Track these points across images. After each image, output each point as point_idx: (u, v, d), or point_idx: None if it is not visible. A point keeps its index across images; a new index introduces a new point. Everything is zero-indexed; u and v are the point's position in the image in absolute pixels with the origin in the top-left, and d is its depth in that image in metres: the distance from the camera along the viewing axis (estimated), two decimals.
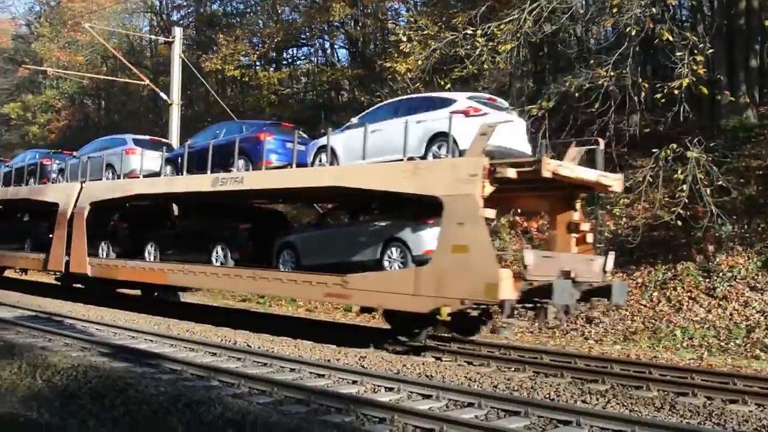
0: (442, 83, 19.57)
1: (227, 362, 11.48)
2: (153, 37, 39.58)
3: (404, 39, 20.62)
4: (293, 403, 8.78)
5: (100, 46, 40.73)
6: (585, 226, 13.51)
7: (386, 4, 31.77)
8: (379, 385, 9.89)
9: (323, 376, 10.52)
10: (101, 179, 19.64)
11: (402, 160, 12.85)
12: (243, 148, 15.98)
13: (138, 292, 21.83)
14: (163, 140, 21.06)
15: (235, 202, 17.51)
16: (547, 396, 9.57)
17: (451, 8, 23.81)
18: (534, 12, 18.46)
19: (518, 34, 18.69)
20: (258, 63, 37.15)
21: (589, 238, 13.53)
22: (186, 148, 17.65)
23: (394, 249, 13.16)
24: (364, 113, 14.75)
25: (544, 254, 12.84)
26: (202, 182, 16.34)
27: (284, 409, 8.44)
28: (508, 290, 11.21)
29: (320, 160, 14.60)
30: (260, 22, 38.32)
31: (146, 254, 18.26)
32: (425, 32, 20.53)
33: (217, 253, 16.48)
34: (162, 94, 24.73)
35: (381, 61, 26.48)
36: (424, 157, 12.74)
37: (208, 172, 16.37)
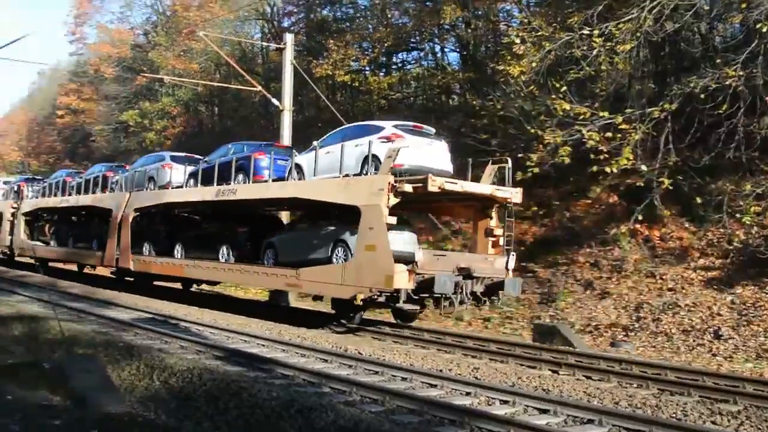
0: (558, 86, 19.14)
1: (338, 369, 11.58)
2: (264, 44, 40.48)
3: (517, 41, 20.24)
4: (405, 413, 8.74)
5: (214, 54, 42.07)
6: (498, 232, 17.12)
7: (498, 6, 31.45)
8: (493, 398, 9.73)
9: (435, 386, 10.44)
10: (143, 190, 24.31)
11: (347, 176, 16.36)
12: (241, 165, 19.92)
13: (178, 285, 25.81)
14: (196, 156, 24.30)
15: (246, 209, 21.09)
16: (674, 415, 9.17)
17: (566, 8, 23.28)
18: (654, 10, 17.81)
19: (638, 34, 18.11)
20: (368, 68, 37.52)
21: (502, 241, 17.05)
22: (201, 165, 21.88)
23: (339, 248, 16.40)
24: (323, 137, 18.12)
25: (436, 253, 17.15)
26: (208, 193, 20.59)
27: (396, 418, 8.42)
28: (403, 281, 14.64)
29: (294, 176, 18.36)
30: (370, 26, 38.62)
31: (175, 253, 22.34)
32: (539, 33, 20.10)
33: (222, 251, 20.34)
34: (273, 100, 25.20)
35: (493, 64, 26.20)
36: (358, 175, 16.09)
37: (214, 184, 20.50)
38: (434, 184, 14.97)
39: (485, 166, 17.44)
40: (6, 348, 11.69)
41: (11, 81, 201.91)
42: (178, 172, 23.11)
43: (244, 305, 22.08)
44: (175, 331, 14.65)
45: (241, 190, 19.49)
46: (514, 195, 16.82)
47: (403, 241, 16.00)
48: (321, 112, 36.38)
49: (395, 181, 15.07)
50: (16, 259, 33.74)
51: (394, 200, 15.03)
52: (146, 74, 43.76)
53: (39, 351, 11.21)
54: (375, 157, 15.77)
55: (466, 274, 15.68)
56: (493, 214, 17.35)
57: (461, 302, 15.72)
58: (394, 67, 38.64)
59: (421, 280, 15.04)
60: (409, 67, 39.10)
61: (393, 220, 15.14)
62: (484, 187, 16.65)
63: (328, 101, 30.14)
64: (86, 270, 30.01)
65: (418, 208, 19.89)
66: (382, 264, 14.80)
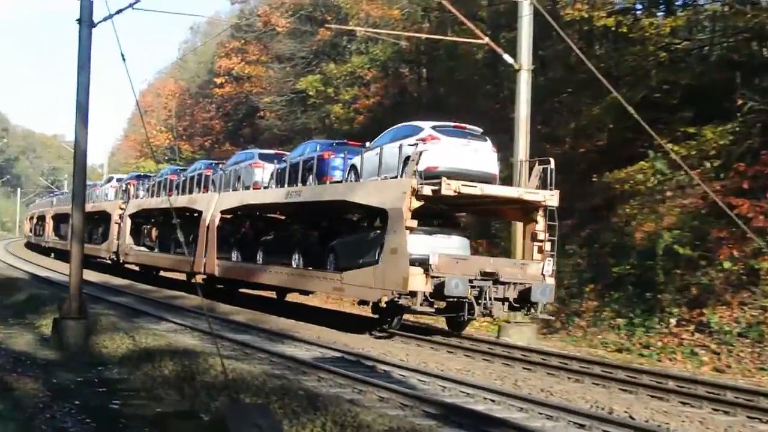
0: None
1: None
2: None
3: None
4: None
5: None
6: (541, 236, 21.95)
7: None
8: None
9: None
10: (230, 190, 30.52)
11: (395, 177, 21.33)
12: (310, 165, 25.49)
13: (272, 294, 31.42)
14: (283, 152, 30.70)
15: (313, 212, 26.59)
16: None
17: None
18: None
19: None
20: (639, 6, 36.55)
21: (547, 246, 21.87)
22: (279, 164, 27.84)
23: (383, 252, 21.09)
24: (376, 138, 23.75)
25: (455, 256, 20.86)
26: (279, 195, 26.75)
27: None
28: (419, 283, 19.65)
29: (351, 177, 23.93)
30: None
31: (257, 258, 28.19)
32: None
33: (294, 256, 25.89)
34: (505, 56, 24.85)
35: None
36: (395, 177, 21.24)
37: (285, 185, 26.60)
38: (449, 188, 19.57)
39: None
40: (154, 392, 12.47)
41: (158, 40, 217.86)
42: (267, 172, 28.94)
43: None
44: (371, 376, 15.04)
45: (305, 192, 25.26)
46: (548, 198, 21.42)
47: (453, 245, 21.49)
48: (572, 72, 35.90)
49: (419, 184, 19.88)
50: (126, 266, 41.66)
51: (416, 203, 19.96)
52: (331, 26, 44.04)
53: (195, 397, 11.88)
54: (409, 159, 20.62)
55: (492, 278, 20.53)
56: (539, 218, 22.15)
57: (485, 308, 20.55)
58: (678, 3, 37.33)
59: (437, 283, 19.83)
60: (701, 2, 37.59)
61: (414, 223, 19.95)
62: (508, 189, 21.83)
63: (582, 55, 29.64)
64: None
65: (472, 210, 26.87)
66: (401, 266, 19.91)
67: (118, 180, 46.92)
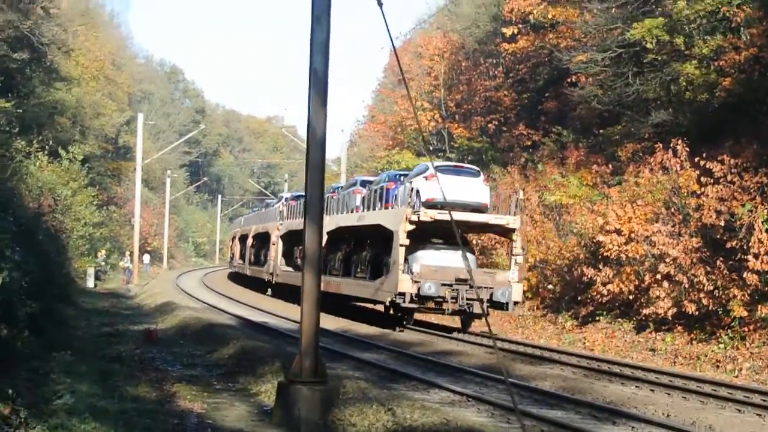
0: None
1: None
2: None
3: None
4: None
5: None
6: (517, 251, 30.47)
7: None
8: None
9: None
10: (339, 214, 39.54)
11: None
12: (380, 194, 33.83)
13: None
14: (371, 178, 39.11)
15: (377, 232, 33.03)
16: None
17: None
18: None
19: None
20: None
21: (519, 259, 30.56)
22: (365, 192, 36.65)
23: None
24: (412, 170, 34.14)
25: (434, 265, 29.10)
26: (353, 219, 35.96)
27: None
28: (407, 286, 28.20)
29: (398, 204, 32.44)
30: None
31: (351, 273, 36.66)
32: None
33: (363, 270, 34.88)
34: None
35: None
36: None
37: (359, 210, 36.52)
38: (426, 215, 28.23)
39: None
40: None
41: None
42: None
43: None
44: None
45: (367, 216, 34.33)
46: (511, 222, 29.86)
47: (457, 259, 27.92)
48: None
49: (412, 213, 28.68)
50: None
51: (410, 227, 28.55)
52: None
53: None
54: (417, 192, 29.52)
55: (466, 284, 28.04)
56: (515, 236, 30.29)
57: (460, 306, 28.88)
58: None
59: (419, 286, 28.29)
60: None
61: (406, 241, 28.65)
62: (477, 216, 29.74)
63: None
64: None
65: (476, 231, 36.21)
66: (395, 274, 28.80)
67: (287, 199, 50.20)
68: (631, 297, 29.66)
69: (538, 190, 40.52)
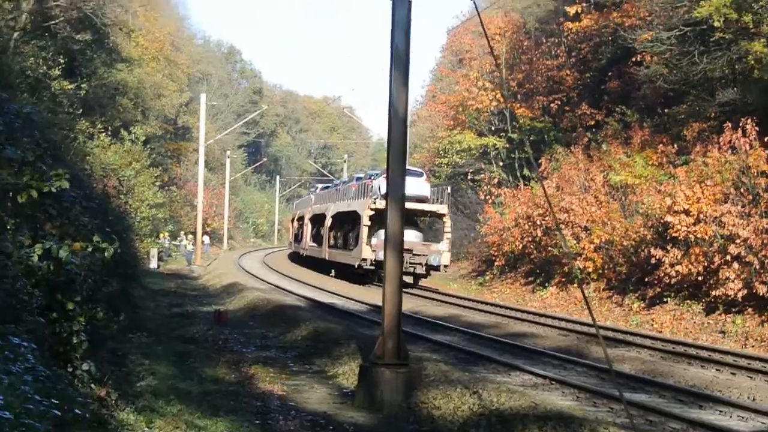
0: None
1: None
2: None
3: None
4: None
5: None
6: (447, 230, 43.15)
7: None
8: None
9: None
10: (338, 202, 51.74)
11: None
12: (362, 188, 45.67)
13: None
14: (373, 172, 48.72)
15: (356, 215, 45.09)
16: None
17: None
18: None
19: None
20: None
21: (448, 235, 43.16)
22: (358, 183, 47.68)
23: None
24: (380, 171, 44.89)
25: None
26: (344, 206, 48.50)
27: None
28: (368, 253, 40.55)
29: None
30: None
31: (343, 246, 47.50)
32: None
33: (350, 244, 46.14)
34: None
35: None
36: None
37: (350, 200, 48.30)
38: (381, 204, 35.37)
39: None
40: None
41: None
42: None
43: None
44: None
45: (352, 205, 45.50)
46: (441, 209, 42.46)
47: (412, 235, 39.00)
48: None
49: (372, 202, 40.26)
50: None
51: (370, 212, 40.17)
52: None
53: None
54: (379, 187, 39.46)
55: (410, 253, 39.04)
56: (445, 219, 42.75)
57: (406, 269, 33.13)
58: None
59: (375, 253, 39.06)
60: None
61: (368, 222, 40.31)
62: (420, 205, 40.85)
63: None
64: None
65: (427, 216, 46.39)
66: (361, 246, 40.78)
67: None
68: (699, 278, 29.13)
69: (603, 170, 39.82)
